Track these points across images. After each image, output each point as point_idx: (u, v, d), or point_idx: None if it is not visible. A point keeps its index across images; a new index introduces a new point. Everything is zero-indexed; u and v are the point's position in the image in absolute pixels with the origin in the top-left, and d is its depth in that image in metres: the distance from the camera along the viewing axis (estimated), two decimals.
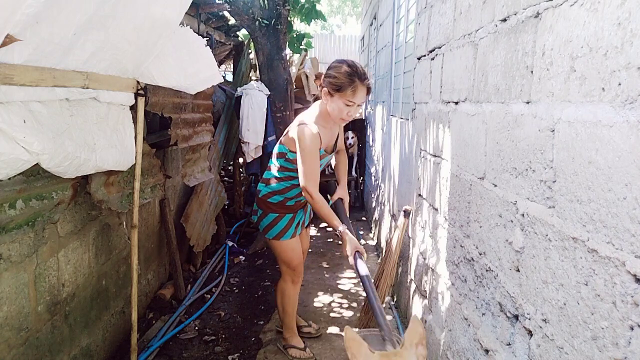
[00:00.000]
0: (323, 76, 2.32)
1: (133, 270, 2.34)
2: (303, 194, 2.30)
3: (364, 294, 3.41)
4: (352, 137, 6.12)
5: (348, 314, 3.24)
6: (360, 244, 2.19)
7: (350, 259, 2.08)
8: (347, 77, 2.17)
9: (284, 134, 2.47)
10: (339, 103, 2.23)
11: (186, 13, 2.36)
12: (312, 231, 5.30)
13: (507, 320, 1.41)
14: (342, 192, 2.56)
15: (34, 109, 1.44)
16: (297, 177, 2.39)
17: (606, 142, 0.93)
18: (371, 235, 5.10)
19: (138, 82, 2.15)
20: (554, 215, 1.13)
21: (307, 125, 2.27)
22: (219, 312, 3.28)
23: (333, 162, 2.77)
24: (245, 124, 4.69)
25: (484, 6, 1.64)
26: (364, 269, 1.95)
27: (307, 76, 6.24)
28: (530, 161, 1.26)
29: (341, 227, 2.18)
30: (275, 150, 2.51)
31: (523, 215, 1.30)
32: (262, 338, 2.93)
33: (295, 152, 2.32)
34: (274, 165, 2.49)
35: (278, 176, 2.46)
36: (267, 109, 4.72)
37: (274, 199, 2.48)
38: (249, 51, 5.95)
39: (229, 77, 6.86)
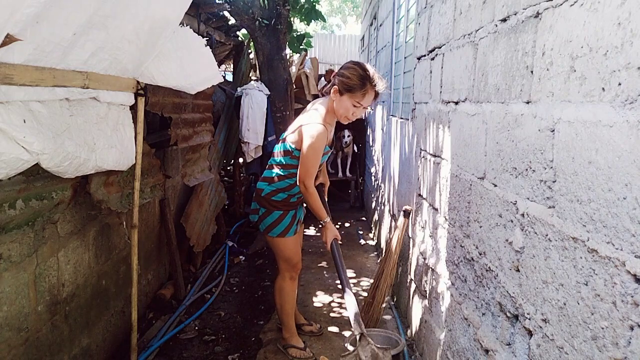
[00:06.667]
0: (335, 74, 2.41)
1: (133, 270, 2.34)
2: (299, 186, 2.39)
3: (363, 294, 3.42)
4: (349, 136, 6.11)
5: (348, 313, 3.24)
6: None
7: (328, 246, 2.46)
8: (360, 80, 2.27)
9: (290, 131, 2.49)
10: (347, 103, 2.32)
11: (186, 13, 2.36)
12: (312, 231, 5.30)
13: (507, 320, 1.41)
14: (322, 178, 2.80)
15: (34, 108, 1.44)
16: None
17: (606, 142, 0.93)
18: (371, 235, 5.09)
19: (138, 82, 2.15)
20: (554, 215, 1.13)
21: (318, 124, 2.35)
22: (219, 312, 3.28)
23: None
24: (245, 124, 4.69)
25: (484, 6, 1.64)
26: (337, 253, 2.44)
27: (307, 76, 6.24)
28: (530, 161, 1.26)
29: (327, 219, 2.46)
30: (279, 148, 2.53)
31: (523, 215, 1.30)
32: (262, 338, 2.93)
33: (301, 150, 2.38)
34: (278, 163, 2.50)
35: (282, 174, 2.48)
36: (267, 109, 4.72)
37: (278, 197, 2.49)
38: (249, 51, 5.95)
39: (229, 77, 6.85)
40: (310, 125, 2.34)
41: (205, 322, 3.12)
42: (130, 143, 2.13)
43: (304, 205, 2.76)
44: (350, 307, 2.20)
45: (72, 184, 2.04)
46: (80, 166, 1.70)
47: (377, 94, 2.34)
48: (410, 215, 2.94)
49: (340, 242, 2.53)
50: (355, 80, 2.27)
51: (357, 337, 2.01)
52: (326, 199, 2.76)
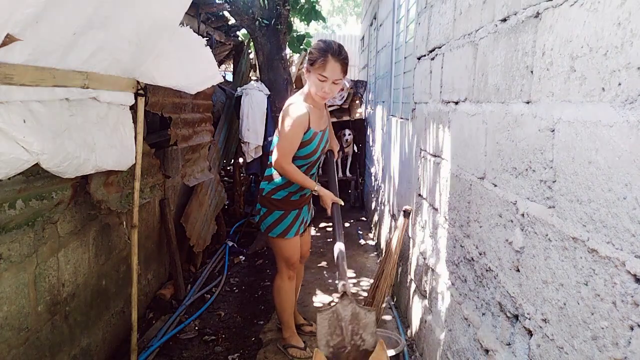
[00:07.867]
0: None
1: (133, 270, 2.34)
2: (275, 166, 2.39)
3: (363, 294, 3.42)
4: (349, 134, 6.10)
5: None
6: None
7: (329, 210, 2.39)
8: (319, 52, 2.28)
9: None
10: (313, 78, 2.34)
11: (186, 13, 2.36)
12: (312, 231, 5.30)
13: (507, 320, 1.41)
14: (331, 142, 2.75)
15: (33, 108, 1.44)
16: (299, 167, 2.42)
17: (606, 142, 0.93)
18: (371, 235, 5.09)
19: (138, 82, 2.15)
20: (554, 215, 1.13)
21: (295, 104, 2.36)
22: (219, 312, 3.28)
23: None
24: (245, 124, 4.69)
25: (484, 6, 1.64)
26: (337, 216, 2.35)
27: None
28: (530, 161, 1.26)
29: (316, 187, 2.41)
30: (274, 144, 2.52)
31: (523, 215, 1.30)
32: (262, 338, 2.93)
33: None
34: None
35: None
36: (267, 109, 4.72)
37: (278, 195, 2.48)
38: (249, 51, 5.95)
39: (229, 77, 6.85)
40: (292, 105, 2.36)
41: (205, 322, 3.12)
42: (130, 143, 2.13)
43: (311, 206, 2.74)
44: (339, 261, 2.14)
45: (72, 184, 2.04)
46: (80, 166, 1.70)
47: (343, 66, 2.30)
48: (410, 215, 2.94)
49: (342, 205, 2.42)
50: (316, 53, 2.29)
51: (339, 294, 1.93)
52: (336, 168, 2.66)
